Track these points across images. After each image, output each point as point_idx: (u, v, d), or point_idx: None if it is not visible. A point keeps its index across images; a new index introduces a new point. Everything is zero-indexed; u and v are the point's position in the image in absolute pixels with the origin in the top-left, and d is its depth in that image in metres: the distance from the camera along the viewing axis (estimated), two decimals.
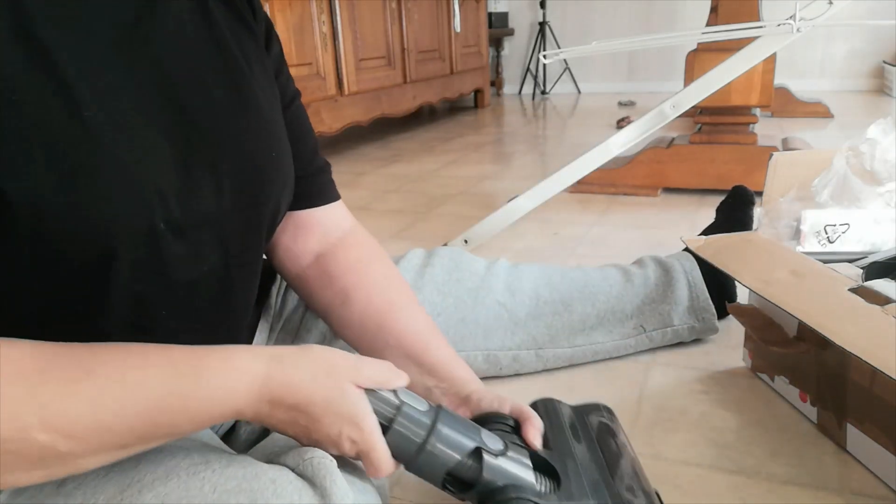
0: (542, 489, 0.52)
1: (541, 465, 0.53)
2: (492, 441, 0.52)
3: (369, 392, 0.48)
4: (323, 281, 0.67)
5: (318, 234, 0.69)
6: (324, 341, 0.80)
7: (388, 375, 0.49)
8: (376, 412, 0.48)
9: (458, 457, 0.49)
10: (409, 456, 0.49)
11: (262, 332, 0.78)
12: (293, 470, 0.44)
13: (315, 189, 0.69)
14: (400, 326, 0.65)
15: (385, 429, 0.48)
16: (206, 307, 0.54)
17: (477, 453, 0.50)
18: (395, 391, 0.50)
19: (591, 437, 0.60)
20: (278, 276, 0.81)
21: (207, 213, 0.50)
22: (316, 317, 0.79)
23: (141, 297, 0.48)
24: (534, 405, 0.62)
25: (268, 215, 0.58)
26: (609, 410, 0.66)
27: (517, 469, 0.51)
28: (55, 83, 0.42)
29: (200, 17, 0.54)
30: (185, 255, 0.49)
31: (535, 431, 0.55)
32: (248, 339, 0.69)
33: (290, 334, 0.81)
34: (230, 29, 0.56)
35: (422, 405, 0.51)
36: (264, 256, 0.69)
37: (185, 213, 0.48)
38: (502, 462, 0.51)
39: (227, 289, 0.55)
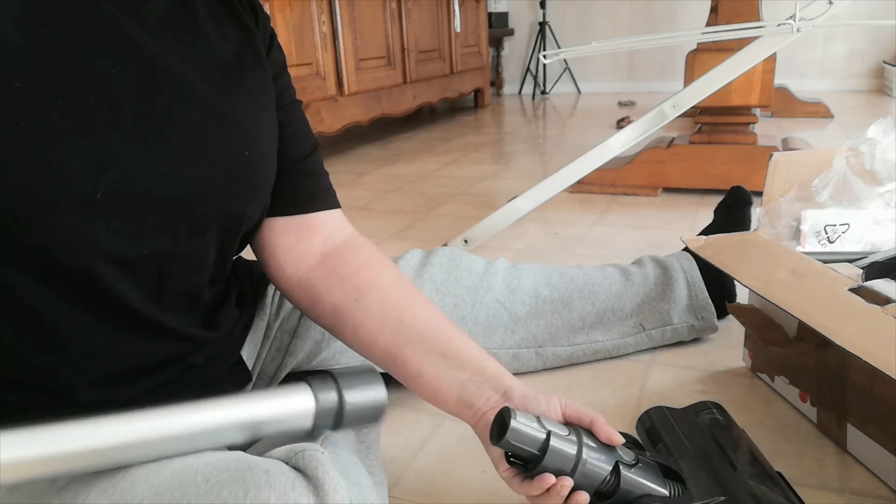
0: (673, 494, 0.54)
1: (668, 472, 0.56)
2: (626, 454, 0.53)
3: (518, 420, 0.50)
4: (332, 281, 0.66)
5: (321, 237, 0.68)
6: (322, 341, 0.80)
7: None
8: (523, 442, 0.50)
9: (604, 474, 0.51)
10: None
11: (256, 332, 0.78)
12: (286, 463, 0.44)
13: (317, 193, 0.69)
14: (421, 320, 0.63)
15: (537, 458, 0.50)
16: (141, 288, 0.53)
17: (615, 468, 0.52)
18: (538, 418, 0.52)
19: (706, 435, 0.63)
20: None
21: (154, 194, 0.50)
22: None
23: (77, 268, 0.48)
24: (646, 414, 0.64)
25: (229, 214, 0.57)
26: (717, 406, 0.68)
27: (650, 479, 0.53)
28: None
29: (185, 18, 0.55)
30: (124, 231, 0.49)
31: (607, 428, 0.55)
32: (209, 329, 0.64)
33: (288, 333, 0.80)
34: (218, 31, 0.57)
35: (563, 430, 0.52)
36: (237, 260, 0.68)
37: (127, 189, 0.49)
38: (637, 474, 0.52)
39: (165, 276, 0.54)
